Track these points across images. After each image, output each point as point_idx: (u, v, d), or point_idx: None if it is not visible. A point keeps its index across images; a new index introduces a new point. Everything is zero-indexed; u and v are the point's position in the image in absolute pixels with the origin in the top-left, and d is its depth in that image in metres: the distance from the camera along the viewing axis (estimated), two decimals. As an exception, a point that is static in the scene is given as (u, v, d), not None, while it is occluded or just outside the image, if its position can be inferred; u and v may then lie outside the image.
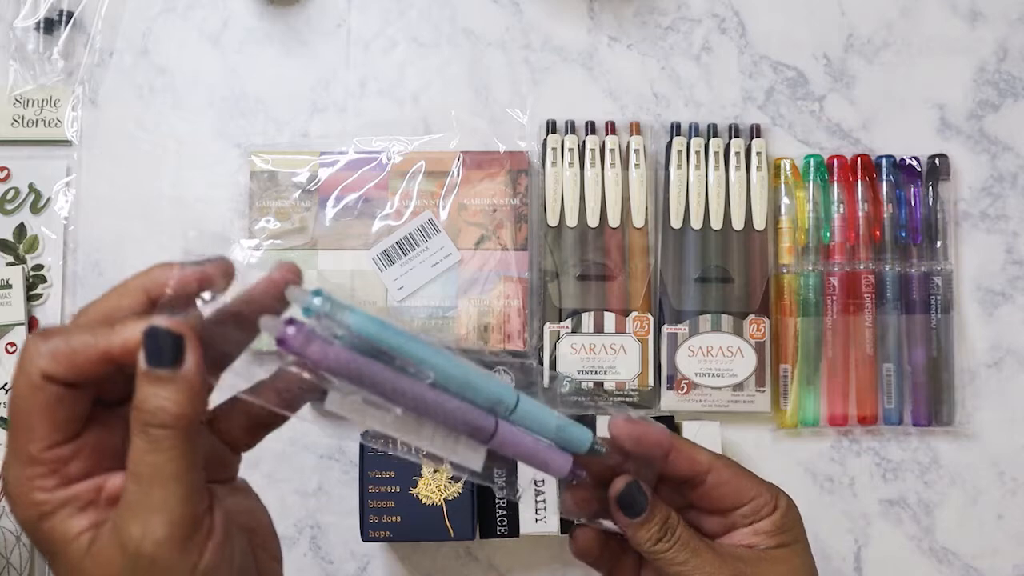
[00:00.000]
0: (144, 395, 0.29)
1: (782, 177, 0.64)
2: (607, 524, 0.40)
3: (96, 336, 0.29)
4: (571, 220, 0.62)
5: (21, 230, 0.65)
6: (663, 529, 0.38)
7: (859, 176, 0.63)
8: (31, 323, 0.64)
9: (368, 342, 0.32)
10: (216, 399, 0.34)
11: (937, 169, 0.64)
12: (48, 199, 0.65)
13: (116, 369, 0.29)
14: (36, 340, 0.29)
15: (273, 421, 0.35)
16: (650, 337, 0.62)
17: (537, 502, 0.58)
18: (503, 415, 0.35)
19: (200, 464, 0.30)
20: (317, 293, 0.31)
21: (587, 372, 0.62)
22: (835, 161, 0.64)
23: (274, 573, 0.35)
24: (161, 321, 0.29)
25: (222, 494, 0.33)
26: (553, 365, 0.62)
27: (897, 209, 0.63)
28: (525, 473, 0.39)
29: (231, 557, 0.31)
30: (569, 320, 0.62)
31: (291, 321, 0.31)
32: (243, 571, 0.32)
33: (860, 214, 0.63)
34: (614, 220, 0.63)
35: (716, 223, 0.63)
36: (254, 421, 0.34)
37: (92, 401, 0.30)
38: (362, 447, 0.57)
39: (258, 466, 0.63)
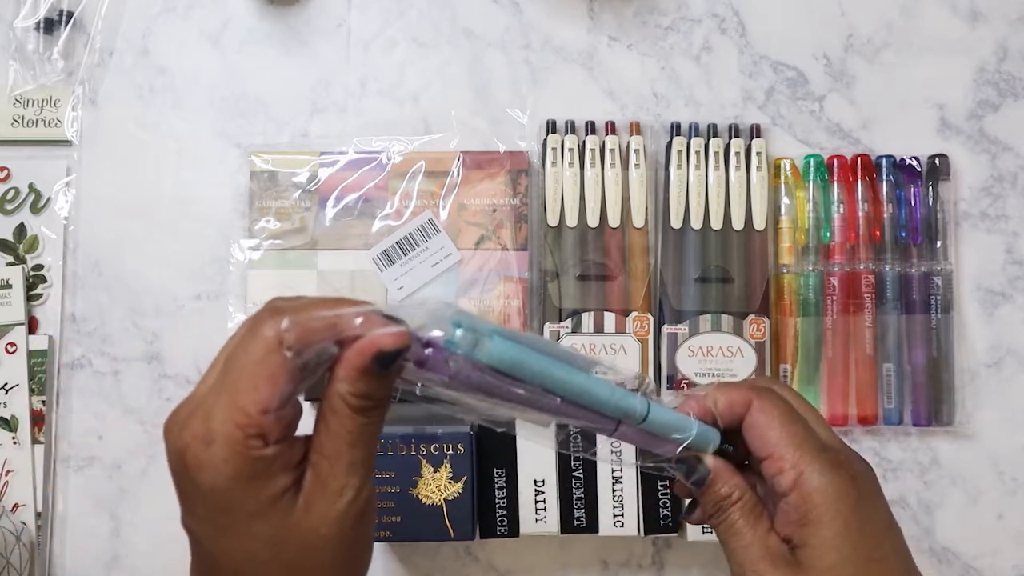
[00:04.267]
0: (367, 387, 0.32)
1: (782, 177, 0.64)
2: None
3: (329, 319, 0.32)
4: (571, 220, 0.62)
5: (21, 230, 0.65)
6: (715, 505, 0.38)
7: (859, 176, 0.63)
8: (31, 323, 0.64)
9: (504, 365, 0.34)
10: None
11: (937, 169, 0.64)
12: (48, 199, 0.65)
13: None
14: (274, 312, 0.32)
15: None
16: (650, 337, 0.62)
17: (537, 502, 0.58)
18: (634, 423, 0.38)
19: None
20: (458, 324, 0.33)
21: (587, 372, 0.62)
22: (835, 161, 0.64)
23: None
24: (388, 342, 0.32)
25: None
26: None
27: (897, 209, 0.63)
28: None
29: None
30: (569, 320, 0.62)
31: (428, 344, 0.33)
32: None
33: (860, 214, 0.63)
34: (614, 220, 0.63)
35: (716, 223, 0.63)
36: None
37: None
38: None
39: (258, 466, 0.63)
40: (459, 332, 0.33)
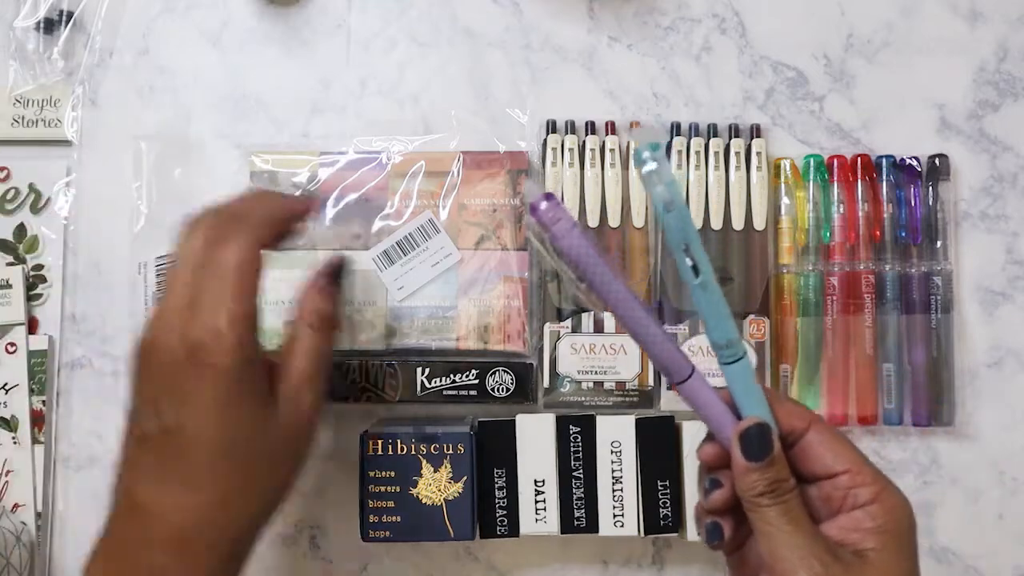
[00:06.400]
0: (313, 303, 0.47)
1: (782, 177, 0.64)
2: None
3: (288, 205, 0.48)
4: (571, 220, 0.62)
5: (21, 230, 0.65)
6: (773, 484, 0.38)
7: (859, 176, 0.63)
8: (31, 323, 0.64)
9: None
10: None
11: (937, 169, 0.64)
12: (48, 199, 0.65)
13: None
14: (229, 219, 0.43)
15: None
16: (650, 337, 0.62)
17: (537, 502, 0.58)
18: (724, 360, 0.40)
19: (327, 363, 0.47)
20: (655, 147, 0.36)
21: (587, 372, 0.62)
22: (835, 161, 0.64)
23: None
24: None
25: None
26: (553, 365, 0.62)
27: (897, 209, 0.63)
28: None
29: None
30: (569, 320, 0.62)
31: (549, 196, 0.36)
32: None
33: (860, 214, 0.63)
34: (614, 220, 0.63)
35: (716, 223, 0.63)
36: None
37: None
38: (362, 447, 0.56)
39: (258, 466, 0.63)
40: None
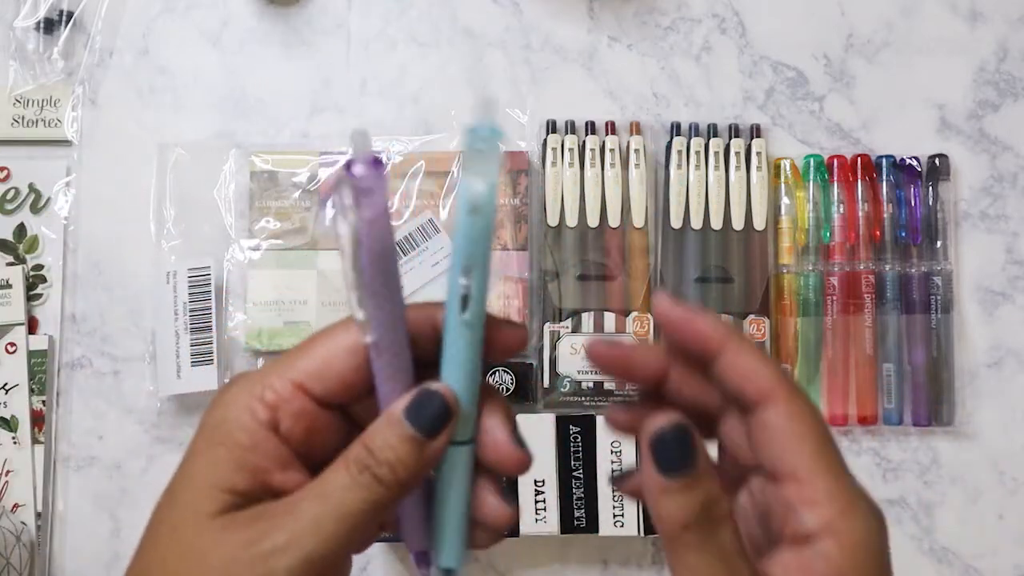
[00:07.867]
0: (384, 443, 0.27)
1: (782, 177, 0.64)
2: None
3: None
4: (571, 220, 0.62)
5: (21, 230, 0.65)
6: (702, 515, 0.25)
7: (859, 176, 0.63)
8: (31, 323, 0.64)
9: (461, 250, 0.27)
10: None
11: (937, 169, 0.64)
12: (48, 199, 0.65)
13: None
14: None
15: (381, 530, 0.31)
16: (650, 337, 0.62)
17: (537, 502, 0.58)
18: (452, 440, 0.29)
19: (365, 537, 0.28)
20: (377, 161, 0.26)
21: (587, 372, 0.62)
22: (835, 161, 0.64)
23: None
24: (440, 387, 0.27)
25: None
26: (553, 365, 0.62)
27: (897, 209, 0.63)
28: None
29: None
30: (569, 320, 0.62)
31: (377, 162, 0.26)
32: None
33: (860, 214, 0.63)
34: (614, 220, 0.63)
35: (716, 223, 0.63)
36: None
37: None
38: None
39: (258, 466, 0.63)
40: (482, 138, 0.26)
